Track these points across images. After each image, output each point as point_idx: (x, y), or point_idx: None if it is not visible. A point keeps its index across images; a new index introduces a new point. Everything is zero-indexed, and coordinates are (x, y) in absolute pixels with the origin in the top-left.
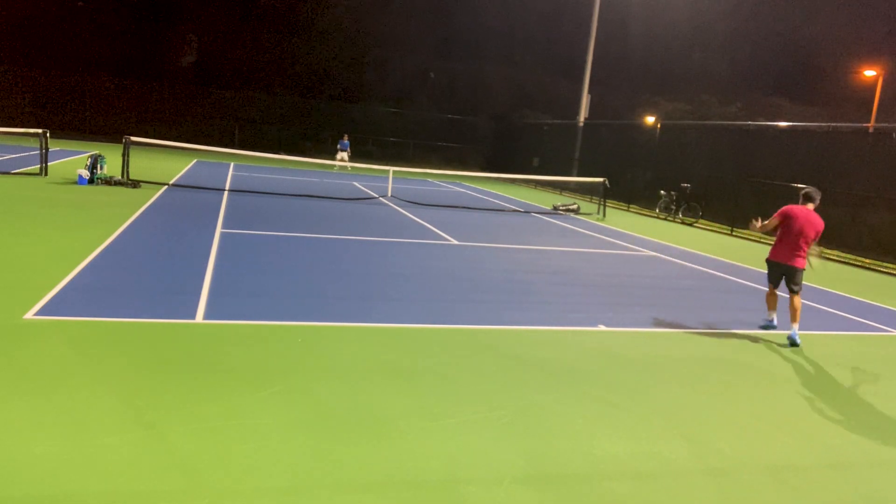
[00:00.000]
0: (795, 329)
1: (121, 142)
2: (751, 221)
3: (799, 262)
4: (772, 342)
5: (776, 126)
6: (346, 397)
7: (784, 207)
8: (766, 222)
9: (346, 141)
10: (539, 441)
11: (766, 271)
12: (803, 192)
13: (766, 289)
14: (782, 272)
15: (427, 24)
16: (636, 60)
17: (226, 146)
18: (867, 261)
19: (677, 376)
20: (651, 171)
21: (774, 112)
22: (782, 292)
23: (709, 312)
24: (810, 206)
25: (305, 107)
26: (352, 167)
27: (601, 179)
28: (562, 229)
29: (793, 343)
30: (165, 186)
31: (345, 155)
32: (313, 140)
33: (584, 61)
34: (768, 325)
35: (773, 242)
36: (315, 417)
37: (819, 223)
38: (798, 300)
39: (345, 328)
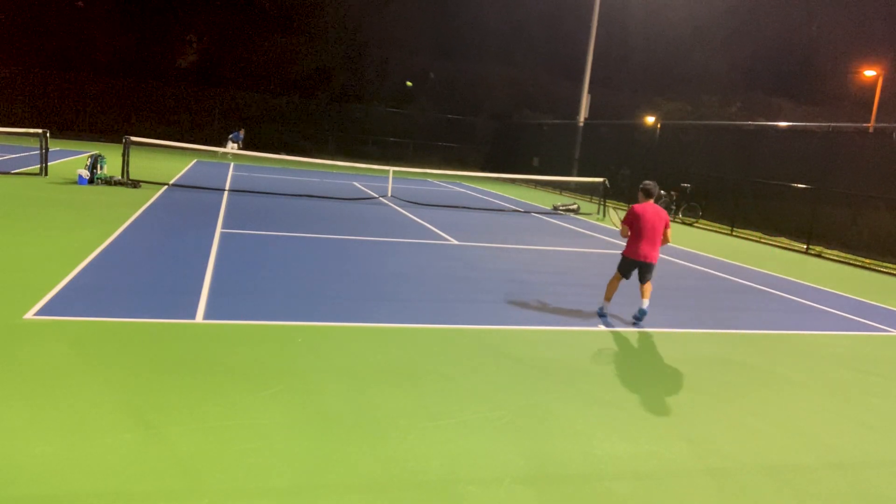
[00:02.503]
0: (646, 303)
1: (121, 142)
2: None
3: (655, 257)
4: (771, 342)
5: (776, 126)
6: (347, 397)
7: (631, 208)
8: (623, 226)
9: (240, 133)
10: (539, 441)
11: (765, 271)
12: (643, 187)
13: (765, 288)
14: (637, 266)
15: (427, 24)
16: (636, 60)
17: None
18: (867, 261)
19: (677, 376)
20: (651, 170)
21: (774, 112)
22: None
23: (709, 312)
24: (651, 200)
25: (305, 107)
26: (233, 156)
27: (601, 179)
28: (562, 229)
29: (642, 316)
30: (165, 186)
31: (234, 146)
32: (313, 140)
33: (584, 61)
34: (603, 315)
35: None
36: (315, 417)
37: (664, 214)
38: (650, 286)
39: (345, 328)
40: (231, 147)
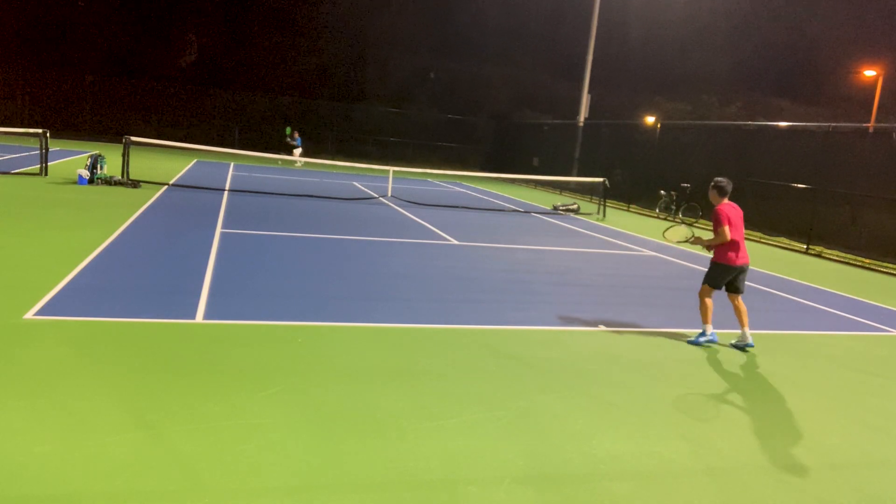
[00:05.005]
0: (749, 334)
1: (121, 142)
2: (693, 239)
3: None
4: (771, 342)
5: (776, 126)
6: (347, 397)
7: (720, 209)
8: (718, 235)
9: (297, 137)
10: (539, 441)
11: (765, 271)
12: (718, 185)
13: (764, 288)
14: (733, 274)
15: (427, 24)
16: (636, 60)
17: (226, 146)
18: (867, 261)
19: (677, 376)
20: (651, 170)
21: (775, 112)
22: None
23: None
24: (727, 198)
25: (305, 107)
26: (304, 163)
27: (601, 179)
28: (562, 229)
29: (748, 347)
30: (165, 186)
31: (299, 150)
32: (314, 140)
33: (584, 61)
34: (712, 341)
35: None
36: (315, 417)
37: (740, 210)
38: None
39: (345, 328)
40: (297, 153)
